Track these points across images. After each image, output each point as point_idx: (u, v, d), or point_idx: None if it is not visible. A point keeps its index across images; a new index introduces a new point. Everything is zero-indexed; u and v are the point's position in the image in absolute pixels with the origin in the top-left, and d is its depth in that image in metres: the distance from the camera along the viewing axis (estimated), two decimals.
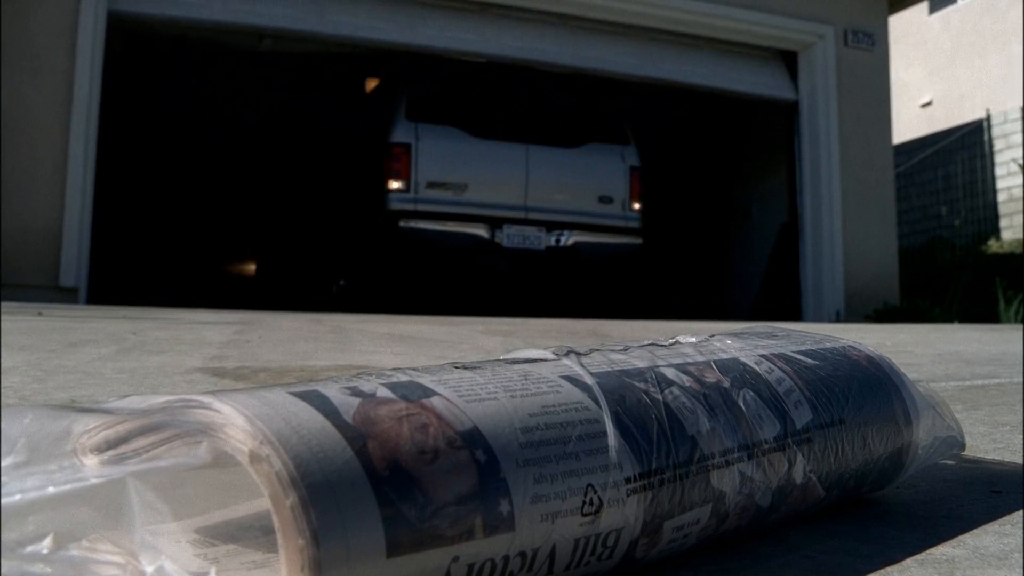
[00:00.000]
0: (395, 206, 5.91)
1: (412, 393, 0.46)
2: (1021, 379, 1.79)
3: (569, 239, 6.29)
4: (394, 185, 5.91)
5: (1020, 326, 4.50)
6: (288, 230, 9.40)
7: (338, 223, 7.17)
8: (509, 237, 6.10)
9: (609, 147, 6.54)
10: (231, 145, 10.27)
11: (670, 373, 0.58)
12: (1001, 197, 11.51)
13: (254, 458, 0.39)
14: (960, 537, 0.64)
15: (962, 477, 0.85)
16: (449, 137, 6.07)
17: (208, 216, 10.48)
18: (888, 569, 0.56)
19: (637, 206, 6.55)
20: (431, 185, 5.95)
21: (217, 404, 0.41)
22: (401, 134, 5.97)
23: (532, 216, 6.20)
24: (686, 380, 0.58)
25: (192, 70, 9.21)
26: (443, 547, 0.41)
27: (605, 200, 6.44)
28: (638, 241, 6.58)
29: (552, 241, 6.25)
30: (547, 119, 6.54)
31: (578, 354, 0.58)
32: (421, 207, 5.93)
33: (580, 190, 6.43)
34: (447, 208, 5.98)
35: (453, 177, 6.02)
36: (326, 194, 7.81)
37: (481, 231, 6.06)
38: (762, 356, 0.67)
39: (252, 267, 11.09)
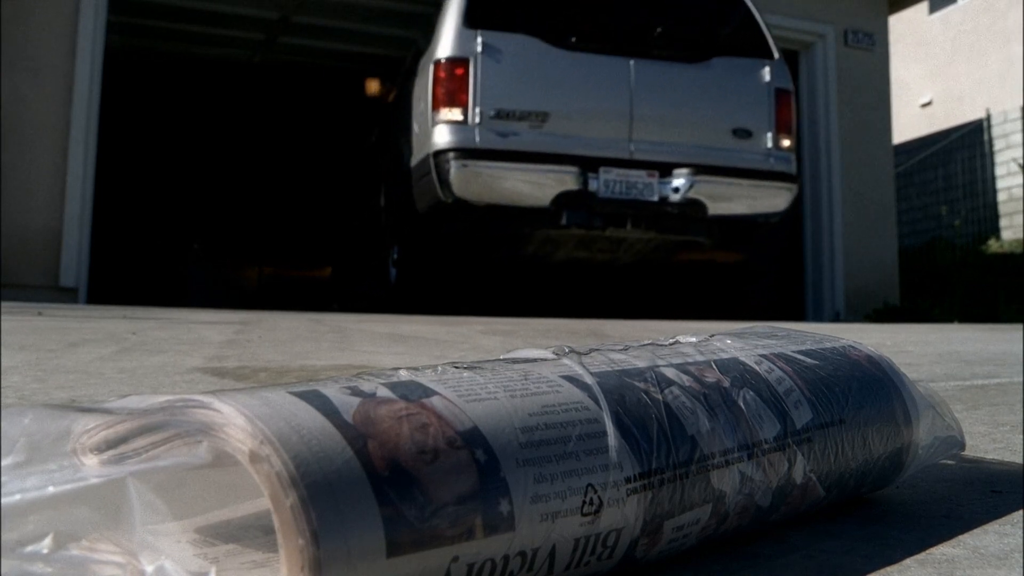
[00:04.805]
0: (445, 142, 4.34)
1: (412, 393, 0.46)
2: (1021, 379, 1.79)
3: (691, 187, 4.60)
4: (446, 115, 4.36)
5: (1020, 326, 4.50)
6: (345, 221, 8.49)
7: (383, 193, 5.82)
8: (607, 184, 4.51)
9: (746, 62, 4.85)
10: (255, 151, 10.28)
11: (670, 373, 0.58)
12: (1001, 197, 11.51)
13: (254, 458, 0.39)
14: (960, 537, 0.64)
15: (962, 477, 0.85)
16: (523, 49, 4.52)
17: (220, 220, 10.47)
18: (888, 569, 0.56)
19: (787, 143, 4.83)
20: (499, 115, 4.43)
21: (217, 404, 0.41)
22: (456, 46, 4.39)
23: (639, 156, 4.61)
24: (686, 380, 0.58)
25: (195, 84, 9.29)
26: (443, 547, 0.41)
27: (741, 134, 4.79)
28: (792, 191, 4.86)
29: (667, 191, 4.60)
30: (659, 23, 4.86)
31: (578, 354, 0.58)
32: (483, 144, 4.37)
33: (706, 120, 4.79)
34: (521, 146, 4.45)
35: (529, 104, 4.48)
36: (369, 167, 6.60)
37: (568, 176, 4.48)
38: (762, 356, 0.67)
39: (256, 271, 11.06)
